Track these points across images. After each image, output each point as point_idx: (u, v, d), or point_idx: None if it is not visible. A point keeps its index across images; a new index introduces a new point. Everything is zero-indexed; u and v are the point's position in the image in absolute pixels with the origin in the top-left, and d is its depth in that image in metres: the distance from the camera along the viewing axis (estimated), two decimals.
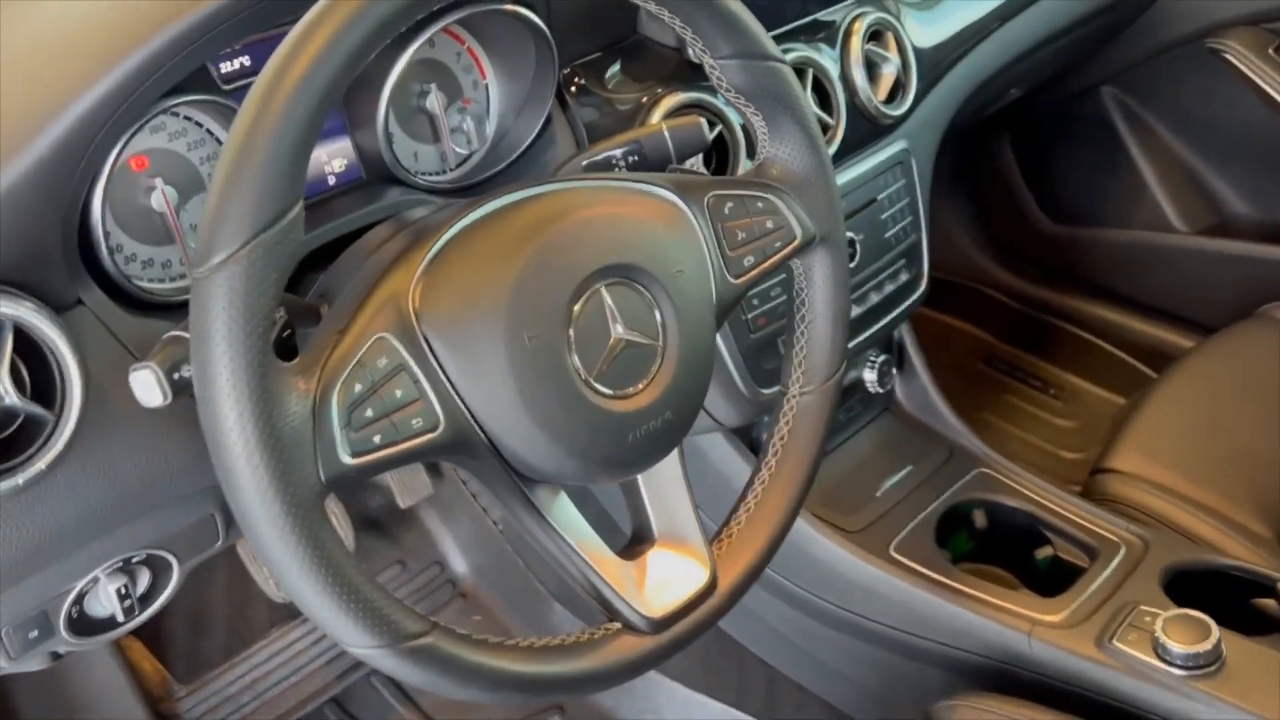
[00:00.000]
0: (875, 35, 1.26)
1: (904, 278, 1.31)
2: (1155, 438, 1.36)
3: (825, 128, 1.19)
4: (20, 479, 0.69)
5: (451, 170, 0.97)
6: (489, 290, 0.68)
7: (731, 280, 0.80)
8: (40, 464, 0.70)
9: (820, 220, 0.85)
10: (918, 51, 1.30)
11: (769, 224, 0.82)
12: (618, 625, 0.76)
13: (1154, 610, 1.09)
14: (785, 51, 1.13)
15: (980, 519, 1.31)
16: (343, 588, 0.62)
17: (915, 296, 1.33)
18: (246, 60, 0.83)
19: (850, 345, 1.21)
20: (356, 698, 1.49)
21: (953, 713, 1.02)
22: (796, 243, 0.84)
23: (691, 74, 1.07)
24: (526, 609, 1.56)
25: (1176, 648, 1.03)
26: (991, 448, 1.37)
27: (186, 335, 0.63)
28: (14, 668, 0.80)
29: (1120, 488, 1.31)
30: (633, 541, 0.80)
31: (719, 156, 1.10)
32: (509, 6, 0.91)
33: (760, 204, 0.82)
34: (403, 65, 0.88)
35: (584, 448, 0.71)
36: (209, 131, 0.83)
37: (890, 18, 1.27)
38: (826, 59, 1.20)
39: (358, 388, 0.64)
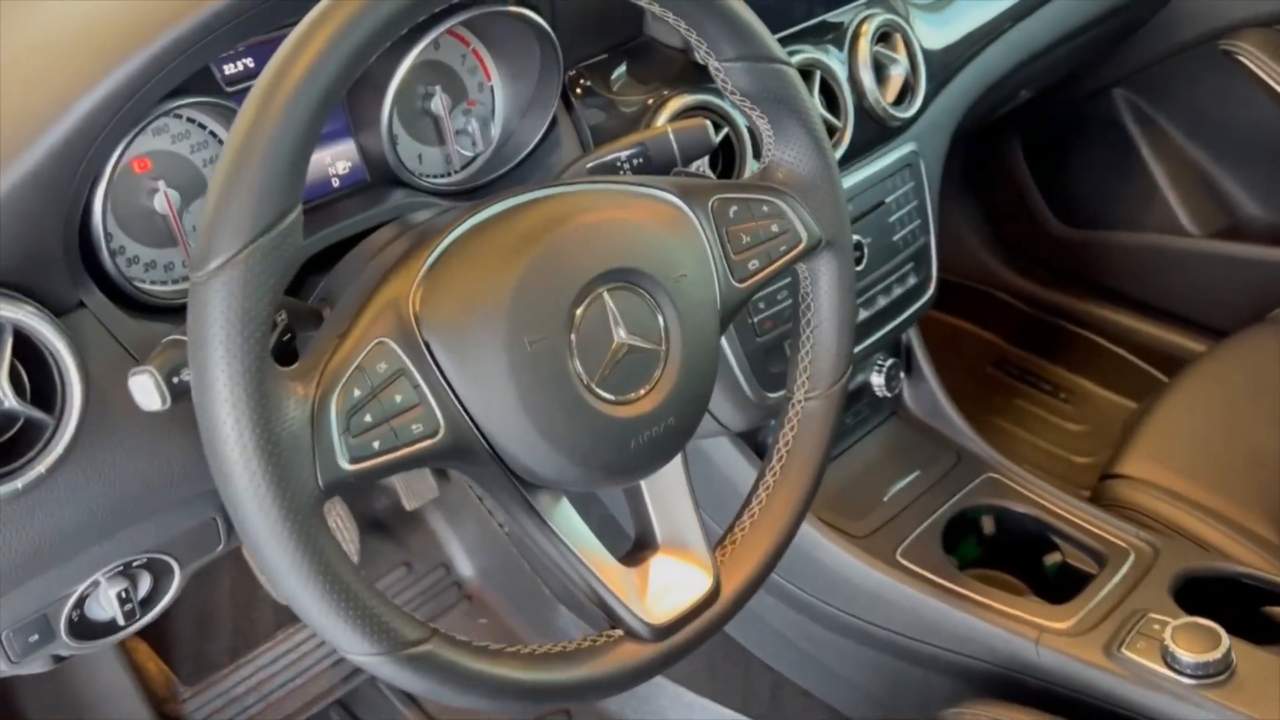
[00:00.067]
0: (884, 37, 1.25)
1: (912, 281, 1.31)
2: (1166, 443, 1.35)
3: (833, 130, 1.18)
4: (20, 483, 0.69)
5: (456, 172, 0.97)
6: (490, 294, 0.68)
7: (736, 284, 0.80)
8: (40, 468, 0.70)
9: (826, 224, 0.85)
10: (927, 53, 1.29)
11: (774, 228, 0.82)
12: (620, 632, 0.75)
13: (1163, 618, 1.08)
14: (793, 53, 1.13)
15: (988, 525, 1.30)
16: (341, 594, 0.62)
17: (924, 300, 1.33)
18: (250, 62, 0.82)
19: (858, 349, 1.21)
20: (361, 700, 1.49)
21: None
22: (802, 247, 0.83)
23: (698, 76, 1.07)
24: (532, 612, 1.56)
25: (1186, 656, 1.02)
26: (1000, 452, 1.37)
27: (186, 339, 0.62)
28: (15, 671, 0.80)
29: (1130, 493, 1.30)
30: (635, 547, 0.80)
31: (725, 159, 1.09)
32: (514, 8, 0.91)
33: (765, 207, 0.82)
34: (407, 67, 0.87)
35: (585, 454, 0.70)
36: (212, 134, 0.83)
37: (899, 19, 1.26)
38: (834, 61, 1.19)
39: (357, 393, 0.63)
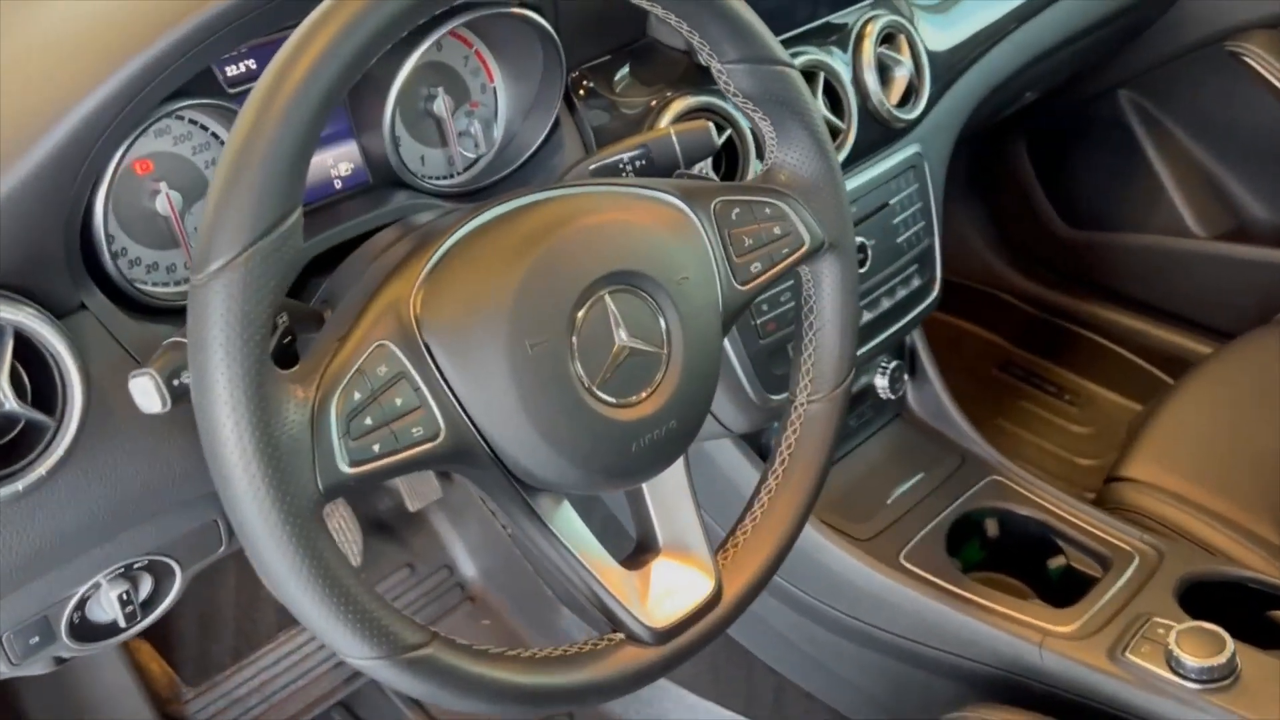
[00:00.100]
0: (888, 38, 1.25)
1: (916, 283, 1.30)
2: (1171, 445, 1.35)
3: (836, 132, 1.18)
4: (21, 485, 0.69)
5: (459, 174, 0.97)
6: (491, 296, 0.68)
7: (738, 287, 0.79)
8: (41, 470, 0.70)
9: (829, 226, 0.84)
10: (931, 54, 1.29)
11: (776, 230, 0.81)
12: (621, 636, 0.75)
13: (1168, 622, 1.07)
14: (796, 55, 1.13)
15: (992, 528, 1.30)
16: (340, 598, 0.61)
17: (928, 302, 1.32)
18: (252, 63, 0.82)
19: (862, 351, 1.20)
20: (364, 702, 1.49)
21: None
22: (804, 249, 0.83)
23: (701, 78, 1.06)
24: (535, 613, 1.56)
25: (1190, 660, 1.01)
26: (1005, 454, 1.36)
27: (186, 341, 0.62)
28: (16, 672, 0.80)
29: (1135, 496, 1.29)
30: (637, 551, 0.80)
31: (728, 161, 1.09)
32: (517, 10, 0.90)
33: (768, 210, 0.81)
34: (409, 68, 0.87)
35: (586, 456, 0.70)
36: (214, 135, 0.83)
37: (903, 20, 1.26)
38: (838, 62, 1.19)
39: (357, 395, 0.63)
